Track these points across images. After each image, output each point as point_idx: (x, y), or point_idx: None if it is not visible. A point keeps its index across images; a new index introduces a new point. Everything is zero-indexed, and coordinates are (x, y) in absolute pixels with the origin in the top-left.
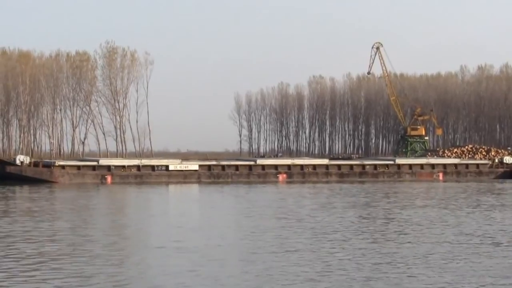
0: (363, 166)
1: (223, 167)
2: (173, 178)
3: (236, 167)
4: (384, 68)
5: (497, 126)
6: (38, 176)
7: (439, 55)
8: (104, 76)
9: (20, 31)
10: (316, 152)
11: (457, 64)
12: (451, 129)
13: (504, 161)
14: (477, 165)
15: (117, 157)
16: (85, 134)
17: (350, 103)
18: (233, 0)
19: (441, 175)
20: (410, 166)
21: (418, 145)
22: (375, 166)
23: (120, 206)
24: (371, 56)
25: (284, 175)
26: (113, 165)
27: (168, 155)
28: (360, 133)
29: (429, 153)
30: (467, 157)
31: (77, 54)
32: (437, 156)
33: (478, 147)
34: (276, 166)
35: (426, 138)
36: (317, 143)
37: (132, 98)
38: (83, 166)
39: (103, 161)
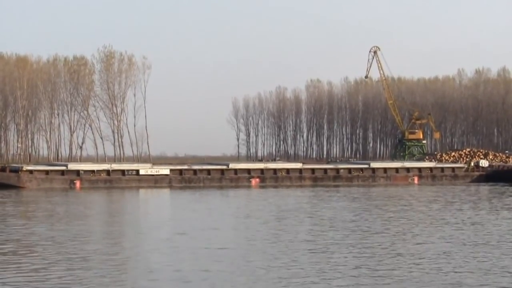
0: (337, 170)
1: (194, 171)
2: (144, 183)
3: (208, 171)
4: (381, 72)
5: (495, 130)
6: (5, 181)
7: (437, 59)
8: (101, 81)
9: (18, 36)
10: (314, 156)
11: (455, 68)
12: (449, 133)
13: (480, 165)
14: (453, 168)
15: (114, 161)
16: (83, 138)
17: (347, 107)
18: (230, 4)
19: (416, 179)
20: (385, 170)
21: (416, 149)
22: (350, 170)
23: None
24: (368, 60)
25: (257, 179)
26: (82, 170)
27: (166, 159)
28: (358, 137)
29: (427, 157)
30: (464, 160)
31: (75, 59)
32: (435, 160)
33: (476, 150)
34: (249, 170)
35: (424, 142)
36: (314, 147)
37: (130, 103)
38: (52, 170)
39: (72, 166)
